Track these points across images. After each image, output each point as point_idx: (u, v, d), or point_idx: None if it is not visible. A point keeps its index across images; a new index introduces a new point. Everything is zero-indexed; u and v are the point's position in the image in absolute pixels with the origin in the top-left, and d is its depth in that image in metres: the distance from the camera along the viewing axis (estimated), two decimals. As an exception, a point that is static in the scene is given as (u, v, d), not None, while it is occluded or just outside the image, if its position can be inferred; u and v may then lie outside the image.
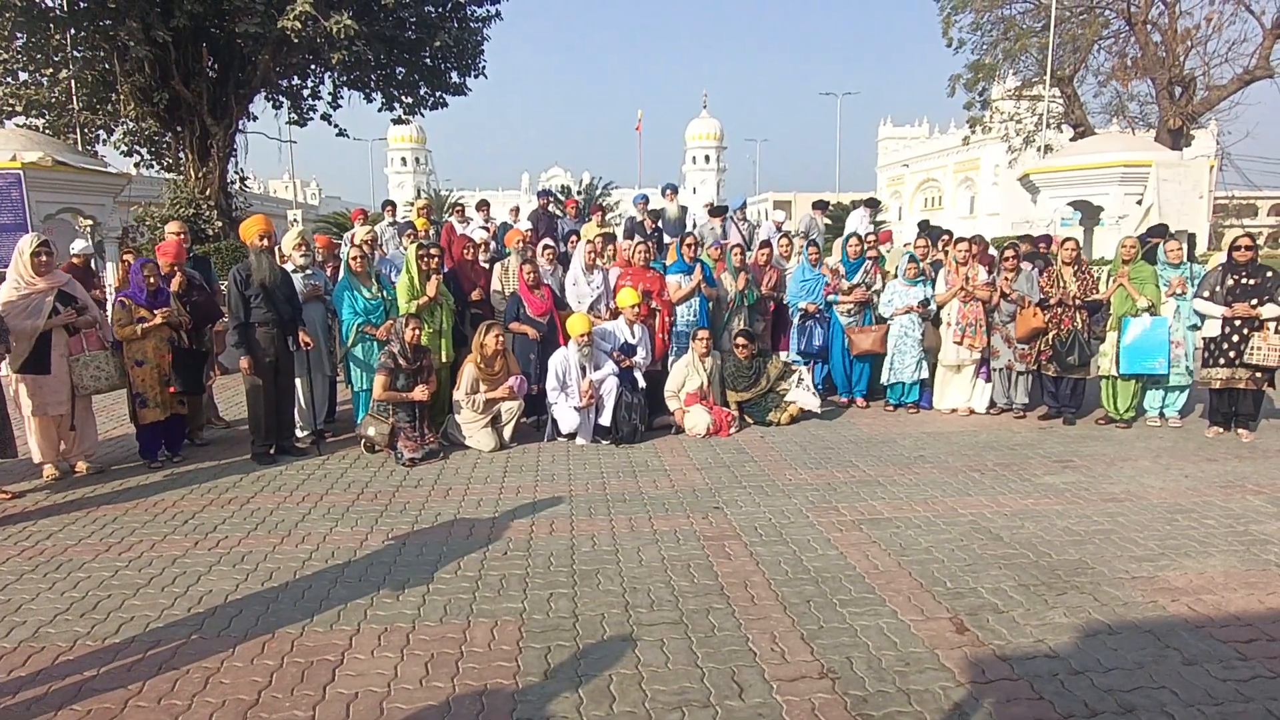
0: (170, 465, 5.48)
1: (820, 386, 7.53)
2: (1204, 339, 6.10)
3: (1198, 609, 3.17)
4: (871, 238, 8.34)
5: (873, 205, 10.17)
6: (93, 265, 6.87)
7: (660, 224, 9.95)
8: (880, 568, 3.61)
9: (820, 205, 10.39)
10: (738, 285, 6.98)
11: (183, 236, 6.39)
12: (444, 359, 6.18)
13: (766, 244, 7.87)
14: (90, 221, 11.48)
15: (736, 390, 6.57)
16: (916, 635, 2.97)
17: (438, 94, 15.86)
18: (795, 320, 7.34)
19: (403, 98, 15.68)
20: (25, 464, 5.38)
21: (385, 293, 6.16)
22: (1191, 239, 9.68)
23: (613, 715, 2.49)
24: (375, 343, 5.95)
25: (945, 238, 7.77)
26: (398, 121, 16.62)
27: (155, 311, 5.26)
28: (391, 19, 13.16)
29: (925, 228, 9.43)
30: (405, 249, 7.26)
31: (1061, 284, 6.42)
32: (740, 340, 6.52)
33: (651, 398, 6.37)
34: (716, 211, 9.88)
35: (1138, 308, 6.16)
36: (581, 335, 5.94)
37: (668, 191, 10.53)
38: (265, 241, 5.50)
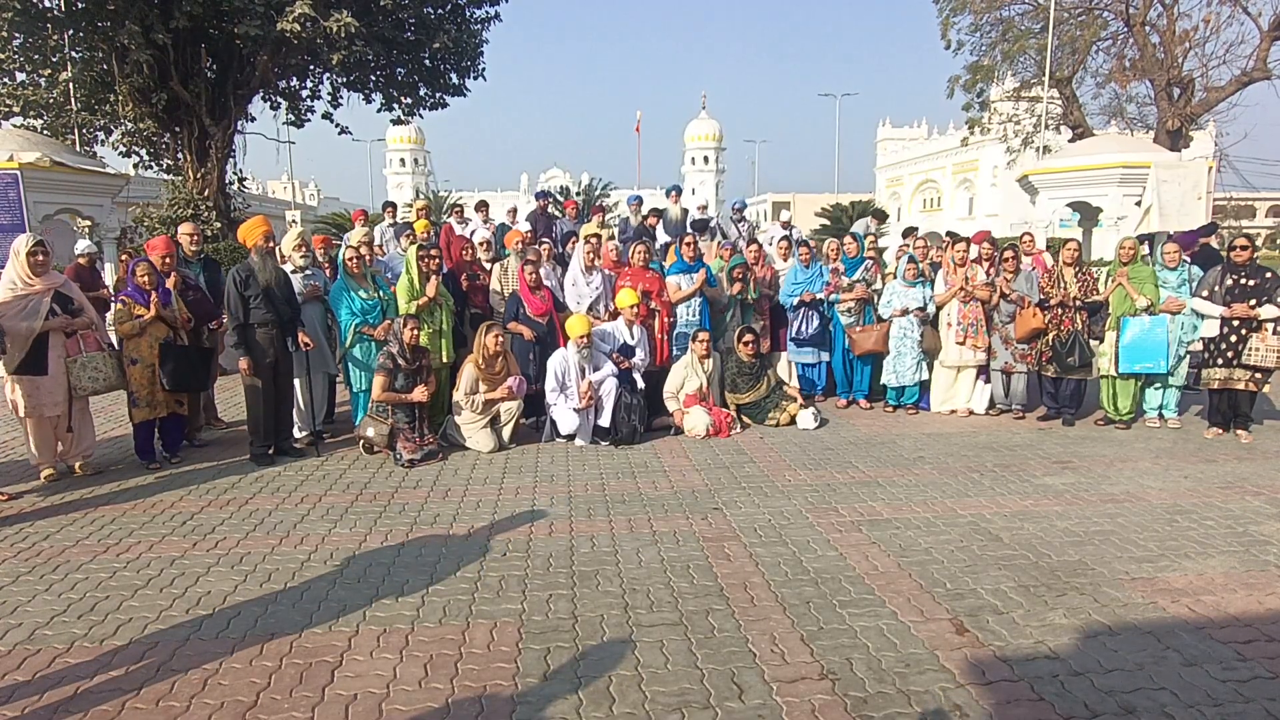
0: (168, 466, 5.47)
1: (822, 386, 7.54)
2: (1203, 339, 6.11)
3: (1197, 610, 3.17)
4: (871, 237, 8.38)
5: (881, 218, 10.41)
6: (96, 265, 6.84)
7: (661, 224, 9.97)
8: (880, 569, 3.61)
9: (879, 214, 10.77)
10: (732, 290, 6.99)
11: (193, 237, 6.39)
12: (444, 359, 6.18)
13: (755, 242, 7.90)
14: (88, 222, 11.46)
15: (739, 392, 6.56)
16: (916, 636, 2.97)
17: (437, 95, 15.85)
18: (791, 310, 7.30)
19: (402, 98, 15.66)
20: (23, 465, 5.37)
21: (381, 293, 6.16)
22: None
23: (612, 717, 2.49)
24: (375, 343, 5.94)
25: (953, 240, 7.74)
26: (397, 122, 16.60)
27: (148, 303, 5.25)
28: (390, 20, 13.16)
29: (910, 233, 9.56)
30: (404, 250, 7.27)
31: (1062, 285, 6.43)
32: (747, 339, 6.52)
33: (651, 399, 6.37)
34: (739, 209, 10.24)
35: (1137, 307, 6.17)
36: (581, 336, 5.94)
37: (672, 193, 10.57)
38: (269, 243, 5.50)
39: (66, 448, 5.24)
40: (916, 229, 9.35)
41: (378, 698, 2.59)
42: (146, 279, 5.31)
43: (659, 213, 10.03)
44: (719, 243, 8.08)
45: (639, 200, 10.50)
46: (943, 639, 2.95)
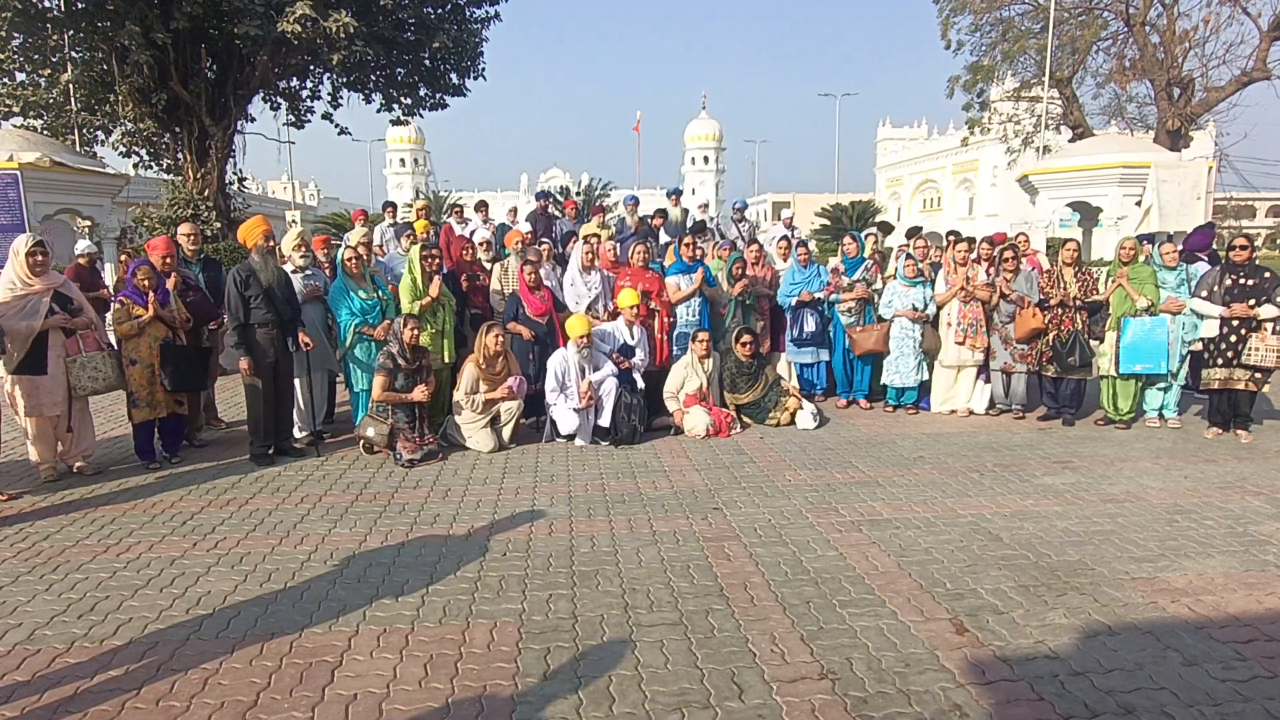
0: (168, 466, 5.46)
1: (822, 386, 7.53)
2: (1202, 340, 6.11)
3: (1197, 610, 3.17)
4: (873, 238, 8.39)
5: (886, 230, 10.49)
6: (96, 265, 6.85)
7: (663, 225, 9.98)
8: (880, 569, 3.61)
9: (885, 226, 10.90)
10: (733, 291, 6.99)
11: (192, 237, 6.40)
12: (446, 359, 6.18)
13: (755, 243, 7.90)
14: (88, 222, 11.46)
15: (737, 392, 6.56)
16: (916, 636, 2.97)
17: (437, 95, 15.86)
18: (789, 310, 7.28)
19: (402, 99, 15.67)
20: (22, 465, 5.37)
21: (380, 293, 6.16)
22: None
23: (612, 716, 2.49)
24: (377, 343, 5.94)
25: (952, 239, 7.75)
26: (397, 122, 16.62)
27: (147, 303, 5.25)
28: (390, 20, 13.17)
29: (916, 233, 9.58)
30: (405, 250, 7.28)
31: (1062, 285, 6.43)
32: (745, 339, 6.51)
33: (651, 399, 6.37)
34: (740, 209, 10.32)
35: (1137, 308, 6.17)
36: (581, 336, 5.94)
37: (672, 196, 10.59)
38: (269, 242, 5.50)
39: (66, 448, 5.24)
40: (920, 228, 9.34)
41: (378, 697, 2.60)
42: (146, 281, 5.31)
43: (664, 213, 10.00)
44: (715, 244, 8.08)
45: (635, 200, 10.51)
46: (943, 639, 2.95)
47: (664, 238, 9.62)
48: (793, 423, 6.49)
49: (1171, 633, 2.99)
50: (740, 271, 7.00)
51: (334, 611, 3.21)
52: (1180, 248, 7.45)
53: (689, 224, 10.02)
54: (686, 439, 6.14)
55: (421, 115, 16.51)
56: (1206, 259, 7.11)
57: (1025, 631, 3.01)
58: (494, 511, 4.48)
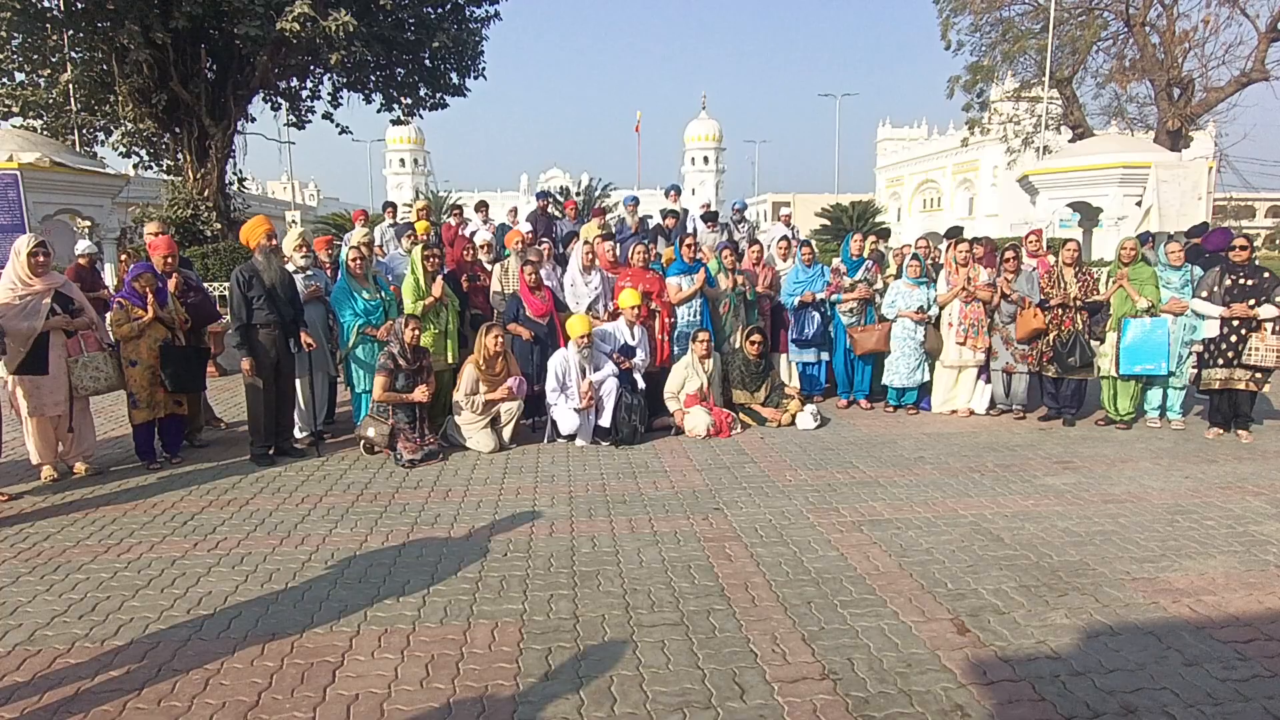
0: (169, 466, 5.46)
1: (823, 383, 7.54)
2: (1202, 340, 6.11)
3: (1198, 610, 3.17)
4: (874, 238, 8.41)
5: (884, 236, 10.49)
6: (96, 266, 6.85)
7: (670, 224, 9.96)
8: (881, 569, 3.61)
9: (883, 234, 11.03)
10: (728, 284, 6.99)
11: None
12: (450, 360, 6.17)
13: (756, 243, 7.91)
14: (88, 222, 11.48)
15: (747, 390, 6.59)
16: (918, 636, 2.97)
17: (437, 95, 15.87)
18: (792, 311, 7.30)
19: (402, 99, 15.69)
20: (23, 465, 5.36)
21: (383, 293, 6.16)
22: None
23: (614, 717, 2.49)
24: (378, 344, 5.94)
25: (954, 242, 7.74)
26: (397, 122, 16.64)
27: (146, 306, 5.24)
28: (390, 20, 13.17)
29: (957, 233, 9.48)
30: (406, 251, 7.28)
31: (1063, 285, 6.43)
32: (755, 338, 6.53)
33: (651, 399, 6.37)
34: (740, 210, 10.34)
35: (1137, 308, 6.17)
36: (581, 337, 5.94)
37: (671, 192, 10.56)
38: (272, 242, 5.50)
39: (67, 448, 5.24)
40: (961, 229, 9.19)
41: (379, 698, 2.59)
42: (147, 289, 5.31)
43: (675, 214, 9.96)
44: (714, 245, 8.07)
45: (635, 201, 10.49)
46: (944, 639, 2.95)
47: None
48: (793, 423, 6.49)
49: (1172, 633, 2.99)
50: (732, 262, 7.00)
51: (335, 612, 3.21)
52: (1205, 246, 7.44)
53: (692, 217, 10.00)
54: (687, 439, 6.14)
55: (421, 115, 16.54)
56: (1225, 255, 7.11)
57: (1027, 632, 3.01)
58: (495, 512, 4.48)
